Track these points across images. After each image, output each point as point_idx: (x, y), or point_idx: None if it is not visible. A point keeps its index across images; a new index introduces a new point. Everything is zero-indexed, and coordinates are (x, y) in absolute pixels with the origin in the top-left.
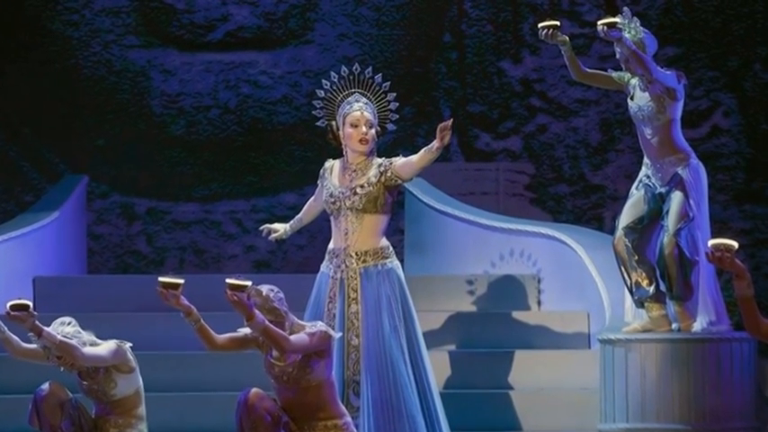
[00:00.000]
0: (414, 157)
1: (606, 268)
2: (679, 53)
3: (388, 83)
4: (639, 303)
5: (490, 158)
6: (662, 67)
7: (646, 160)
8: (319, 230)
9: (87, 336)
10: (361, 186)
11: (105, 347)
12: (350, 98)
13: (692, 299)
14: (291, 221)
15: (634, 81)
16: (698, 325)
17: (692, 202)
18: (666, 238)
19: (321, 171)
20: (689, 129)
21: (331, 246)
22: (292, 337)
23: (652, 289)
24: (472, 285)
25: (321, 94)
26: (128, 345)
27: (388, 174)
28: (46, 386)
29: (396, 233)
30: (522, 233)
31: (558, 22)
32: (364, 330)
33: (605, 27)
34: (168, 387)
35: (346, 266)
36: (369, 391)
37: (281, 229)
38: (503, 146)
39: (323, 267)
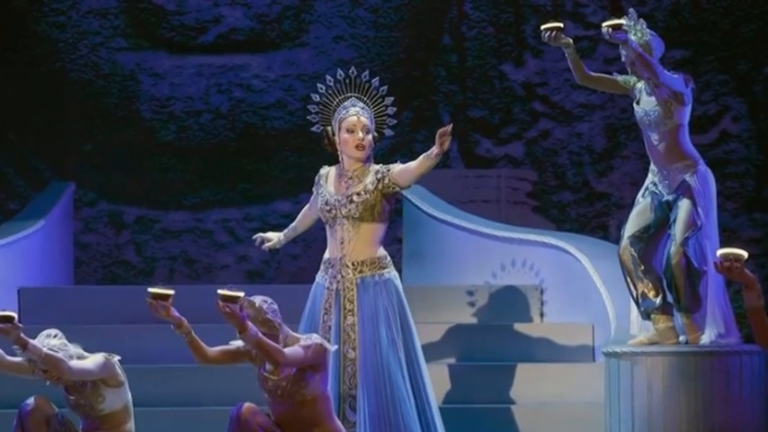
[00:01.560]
0: (412, 164)
1: (611, 279)
2: (687, 56)
3: (386, 87)
4: (646, 315)
5: (491, 165)
6: (669, 71)
7: (652, 167)
8: (314, 239)
9: (74, 349)
10: (358, 194)
11: (93, 361)
12: (346, 103)
13: (700, 310)
14: (285, 230)
15: (640, 85)
16: (706, 337)
17: (699, 210)
18: (674, 248)
19: (316, 178)
20: (697, 134)
21: (326, 255)
22: (286, 350)
23: (659, 300)
24: (473, 296)
25: (316, 98)
26: (116, 358)
27: (386, 181)
28: (31, 401)
29: (393, 242)
30: (525, 242)
31: (561, 24)
32: (361, 343)
33: (610, 29)
34: (158, 401)
35: (342, 277)
36: (365, 406)
37: (274, 238)
38: (504, 152)
39: (318, 278)
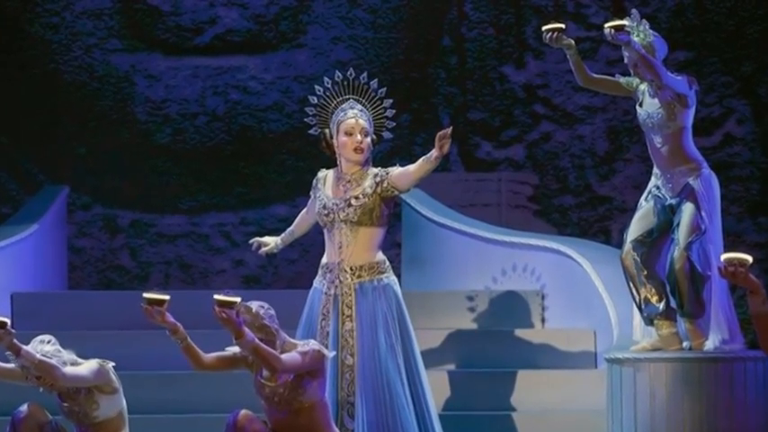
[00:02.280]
0: (411, 167)
1: (614, 284)
2: (690, 57)
3: (385, 89)
4: (649, 321)
5: (492, 168)
6: (672, 73)
7: (655, 170)
8: (312, 244)
9: (68, 355)
10: (356, 198)
11: (87, 367)
12: (344, 105)
13: (703, 316)
14: (283, 234)
15: (643, 87)
16: (710, 343)
17: (703, 214)
18: (677, 252)
19: (314, 181)
20: (701, 137)
21: (324, 260)
22: (284, 357)
23: (662, 305)
24: (473, 302)
25: (314, 100)
26: (110, 364)
27: (385, 184)
28: (24, 408)
29: (392, 247)
30: (526, 247)
31: (562, 25)
32: (359, 349)
33: (613, 30)
34: (153, 408)
35: (340, 282)
36: (364, 413)
37: (271, 242)
38: (505, 155)
39: (316, 283)
